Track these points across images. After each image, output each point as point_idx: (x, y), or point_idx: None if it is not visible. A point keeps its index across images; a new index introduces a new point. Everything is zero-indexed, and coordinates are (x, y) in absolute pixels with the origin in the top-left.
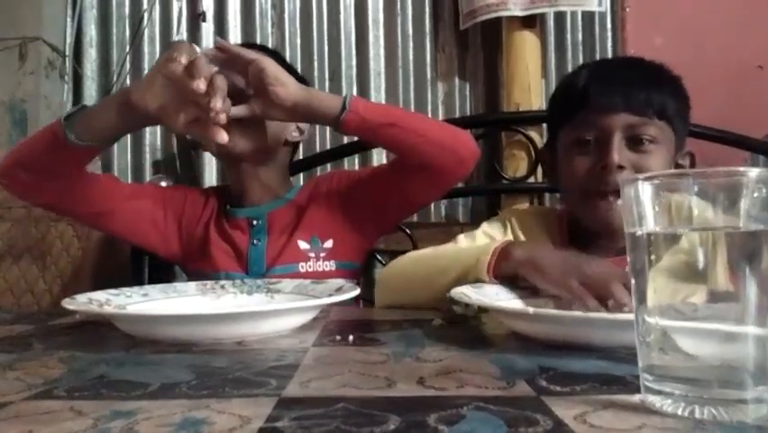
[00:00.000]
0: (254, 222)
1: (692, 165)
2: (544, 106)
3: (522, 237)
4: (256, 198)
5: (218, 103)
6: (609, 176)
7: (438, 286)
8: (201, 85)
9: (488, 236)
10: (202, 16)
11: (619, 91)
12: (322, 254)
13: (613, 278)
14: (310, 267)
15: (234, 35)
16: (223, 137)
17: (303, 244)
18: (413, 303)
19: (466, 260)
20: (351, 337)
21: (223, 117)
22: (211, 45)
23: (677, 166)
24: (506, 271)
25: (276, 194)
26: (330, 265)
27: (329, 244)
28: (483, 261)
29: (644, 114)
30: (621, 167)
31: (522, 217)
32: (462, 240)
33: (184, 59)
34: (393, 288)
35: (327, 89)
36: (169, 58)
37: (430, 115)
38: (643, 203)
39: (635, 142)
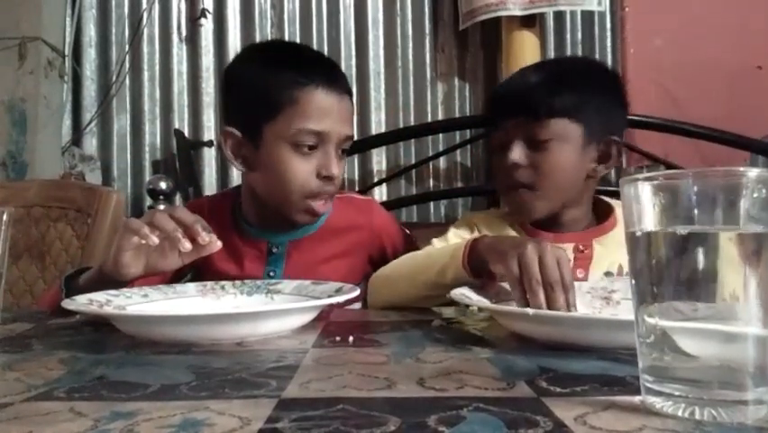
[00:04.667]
0: (274, 249)
1: (618, 153)
2: None
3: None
4: (278, 227)
5: (204, 237)
6: (511, 173)
7: (419, 283)
8: (154, 239)
9: (459, 237)
10: (203, 13)
11: (518, 96)
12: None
13: (544, 276)
14: None
15: (234, 35)
16: (218, 245)
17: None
18: (399, 302)
19: (442, 257)
20: (351, 338)
21: (218, 244)
22: (211, 45)
23: (602, 155)
24: (476, 262)
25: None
26: None
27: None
28: (457, 255)
29: (537, 116)
30: (518, 165)
31: (487, 220)
32: (437, 243)
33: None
34: (380, 290)
35: None
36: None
37: (429, 116)
38: (642, 203)
39: (533, 142)
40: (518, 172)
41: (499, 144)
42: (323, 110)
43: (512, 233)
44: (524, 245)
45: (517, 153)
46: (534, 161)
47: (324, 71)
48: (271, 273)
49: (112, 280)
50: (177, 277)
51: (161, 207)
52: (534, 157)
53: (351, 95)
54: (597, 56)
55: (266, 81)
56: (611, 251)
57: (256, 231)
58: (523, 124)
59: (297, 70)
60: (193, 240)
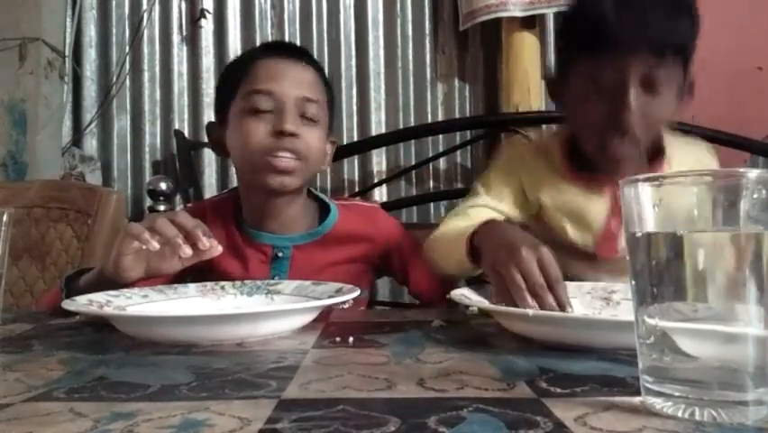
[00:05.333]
0: (279, 253)
1: (692, 89)
2: (543, 107)
3: (529, 180)
4: (280, 227)
5: (204, 243)
6: (623, 121)
7: (453, 262)
8: (156, 244)
9: (498, 187)
10: (203, 13)
11: (643, 27)
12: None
13: (526, 281)
14: None
15: (234, 35)
16: (219, 249)
17: None
18: (446, 272)
19: (460, 244)
20: (351, 339)
21: (219, 249)
22: (211, 45)
23: (679, 94)
24: (478, 254)
25: (300, 225)
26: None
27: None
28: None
29: (663, 53)
30: (634, 114)
31: (525, 159)
32: (480, 189)
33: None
34: (431, 257)
35: None
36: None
37: (429, 117)
38: (643, 203)
39: (649, 85)
40: (634, 121)
41: (592, 81)
42: (273, 73)
43: (550, 173)
44: (500, 250)
45: (638, 99)
46: (646, 109)
47: (280, 45)
48: (276, 277)
49: (112, 282)
50: (177, 280)
51: (161, 207)
52: (645, 104)
53: (316, 67)
54: None
55: (230, 70)
56: None
57: (259, 233)
58: (643, 62)
59: (255, 51)
60: (194, 245)
